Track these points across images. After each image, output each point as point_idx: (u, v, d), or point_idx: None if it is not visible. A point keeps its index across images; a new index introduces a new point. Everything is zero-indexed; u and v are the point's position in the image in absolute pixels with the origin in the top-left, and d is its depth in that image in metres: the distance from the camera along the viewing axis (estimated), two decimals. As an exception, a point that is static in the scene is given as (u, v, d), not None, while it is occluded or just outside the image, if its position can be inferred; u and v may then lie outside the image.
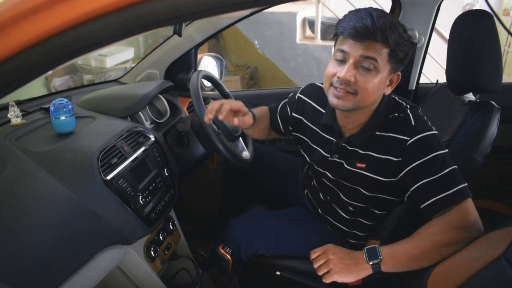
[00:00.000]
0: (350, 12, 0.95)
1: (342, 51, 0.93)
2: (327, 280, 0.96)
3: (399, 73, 0.99)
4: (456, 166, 0.95)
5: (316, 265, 1.00)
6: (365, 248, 0.96)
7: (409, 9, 1.53)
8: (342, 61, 0.95)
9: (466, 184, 0.94)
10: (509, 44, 4.35)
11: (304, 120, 1.20)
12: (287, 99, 1.29)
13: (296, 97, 1.23)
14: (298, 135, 1.24)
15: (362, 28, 0.89)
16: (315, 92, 1.19)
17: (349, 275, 0.95)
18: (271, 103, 1.36)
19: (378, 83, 0.94)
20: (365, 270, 0.94)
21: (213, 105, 1.06)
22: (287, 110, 1.26)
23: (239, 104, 1.09)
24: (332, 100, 0.98)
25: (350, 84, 0.93)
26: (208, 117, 1.06)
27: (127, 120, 1.26)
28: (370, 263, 0.93)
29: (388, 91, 1.00)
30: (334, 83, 0.96)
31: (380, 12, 0.92)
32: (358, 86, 0.93)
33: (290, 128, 1.27)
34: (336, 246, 1.01)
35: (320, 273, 0.98)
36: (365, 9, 0.93)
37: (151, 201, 1.09)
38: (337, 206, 1.18)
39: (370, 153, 1.03)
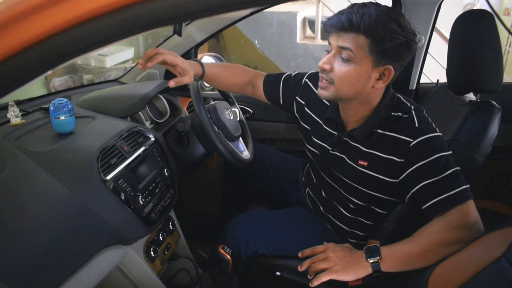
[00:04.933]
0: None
1: (329, 43, 0.98)
2: (324, 278, 0.95)
3: (390, 67, 0.93)
4: (458, 168, 0.95)
5: (314, 260, 1.00)
6: (365, 247, 0.97)
7: (409, 9, 1.52)
8: (328, 53, 0.99)
9: (468, 186, 0.94)
10: (509, 43, 4.35)
11: (307, 109, 1.20)
12: (290, 76, 1.28)
13: (303, 81, 1.23)
14: (300, 121, 1.25)
15: (337, 21, 0.93)
16: None
17: (348, 273, 0.95)
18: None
19: (357, 74, 0.94)
20: (364, 269, 0.94)
21: (148, 52, 1.08)
22: (291, 90, 1.26)
23: (176, 60, 1.10)
24: (318, 90, 1.02)
25: (327, 72, 0.97)
26: (140, 63, 1.08)
27: (127, 120, 1.26)
28: (370, 261, 0.93)
29: (379, 85, 0.96)
30: (319, 74, 1.01)
31: (367, 4, 0.92)
32: (334, 75, 0.96)
33: (295, 110, 1.26)
34: (337, 245, 1.01)
35: (318, 268, 0.98)
36: (354, 3, 0.95)
37: (151, 201, 1.09)
38: (339, 203, 1.19)
39: (373, 151, 1.03)
